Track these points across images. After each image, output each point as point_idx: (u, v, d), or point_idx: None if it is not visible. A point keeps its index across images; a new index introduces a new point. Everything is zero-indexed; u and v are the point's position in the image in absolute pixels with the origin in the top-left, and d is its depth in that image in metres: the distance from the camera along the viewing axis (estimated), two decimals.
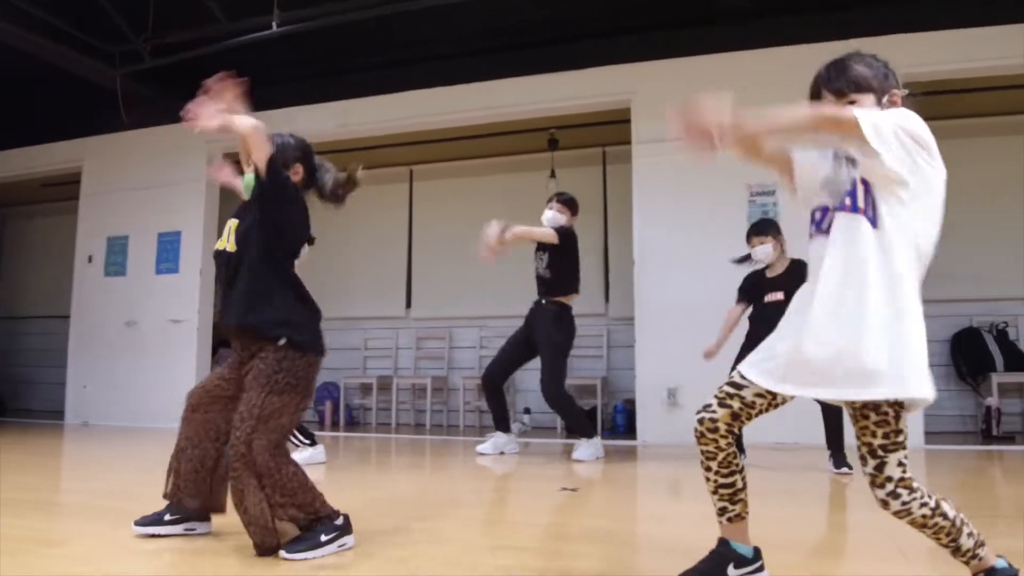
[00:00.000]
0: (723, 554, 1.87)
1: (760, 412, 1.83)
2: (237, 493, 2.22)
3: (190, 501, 2.48)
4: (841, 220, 1.70)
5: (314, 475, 2.43)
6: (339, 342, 8.46)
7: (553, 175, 7.59)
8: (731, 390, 1.82)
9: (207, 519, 2.55)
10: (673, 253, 6.00)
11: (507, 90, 6.75)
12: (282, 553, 2.21)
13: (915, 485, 1.62)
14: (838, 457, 4.21)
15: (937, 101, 6.36)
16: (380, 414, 7.92)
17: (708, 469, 1.85)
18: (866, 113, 1.61)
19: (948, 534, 1.64)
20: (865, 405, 1.64)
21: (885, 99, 1.75)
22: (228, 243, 2.41)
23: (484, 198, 7.96)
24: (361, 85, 7.16)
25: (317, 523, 2.27)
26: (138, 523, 2.47)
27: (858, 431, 1.67)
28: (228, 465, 2.28)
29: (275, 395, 2.25)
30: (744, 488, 1.87)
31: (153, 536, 2.45)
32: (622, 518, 3.29)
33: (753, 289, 4.57)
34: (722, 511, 1.88)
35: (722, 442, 1.81)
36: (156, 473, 2.61)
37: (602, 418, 6.97)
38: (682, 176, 6.10)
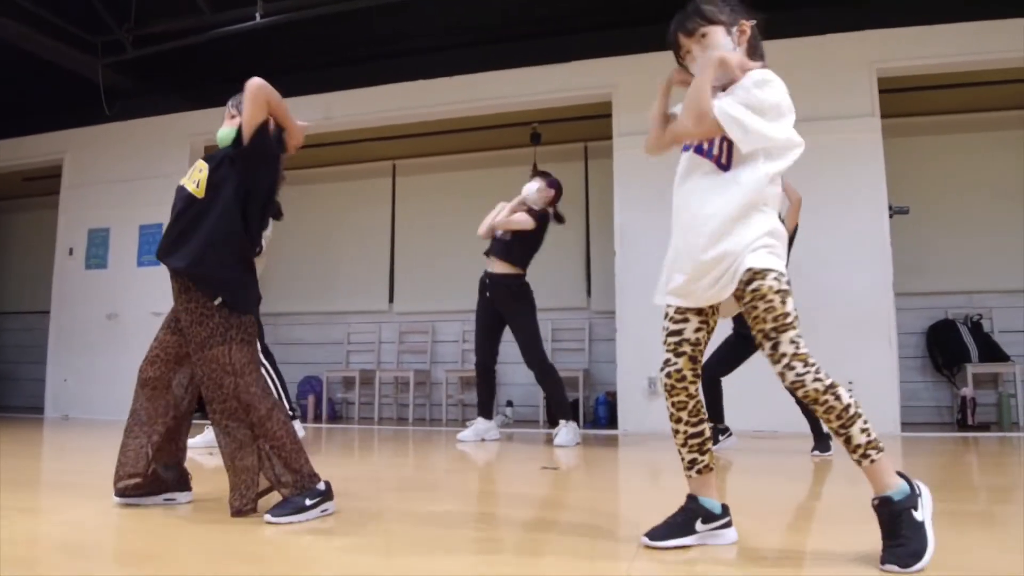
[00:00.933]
0: (692, 509, 1.93)
1: (704, 344, 1.93)
2: (230, 444, 2.30)
3: (164, 471, 2.51)
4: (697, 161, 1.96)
5: None
6: (321, 336, 8.47)
7: (535, 169, 7.63)
8: (676, 338, 1.92)
9: (187, 488, 2.57)
10: (653, 244, 5.99)
11: (490, 83, 6.79)
12: (267, 517, 2.23)
13: (811, 361, 1.74)
14: (820, 442, 4.29)
15: (912, 97, 6.48)
16: (363, 408, 7.92)
17: (679, 421, 1.93)
18: (725, 109, 1.82)
19: (839, 417, 1.73)
20: (753, 295, 1.78)
21: (734, 30, 1.93)
22: (196, 188, 2.41)
23: (466, 193, 7.98)
24: (345, 78, 7.18)
25: (302, 487, 2.29)
26: (118, 494, 2.50)
27: (751, 322, 1.80)
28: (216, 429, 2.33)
29: (237, 345, 2.33)
30: (711, 438, 1.96)
31: (134, 506, 2.47)
32: (602, 491, 3.33)
33: None
34: (692, 463, 1.94)
35: (691, 388, 1.91)
36: None
37: (584, 410, 7.01)
38: (662, 168, 6.13)
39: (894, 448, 4.82)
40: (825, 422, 1.76)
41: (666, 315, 1.95)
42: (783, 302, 1.77)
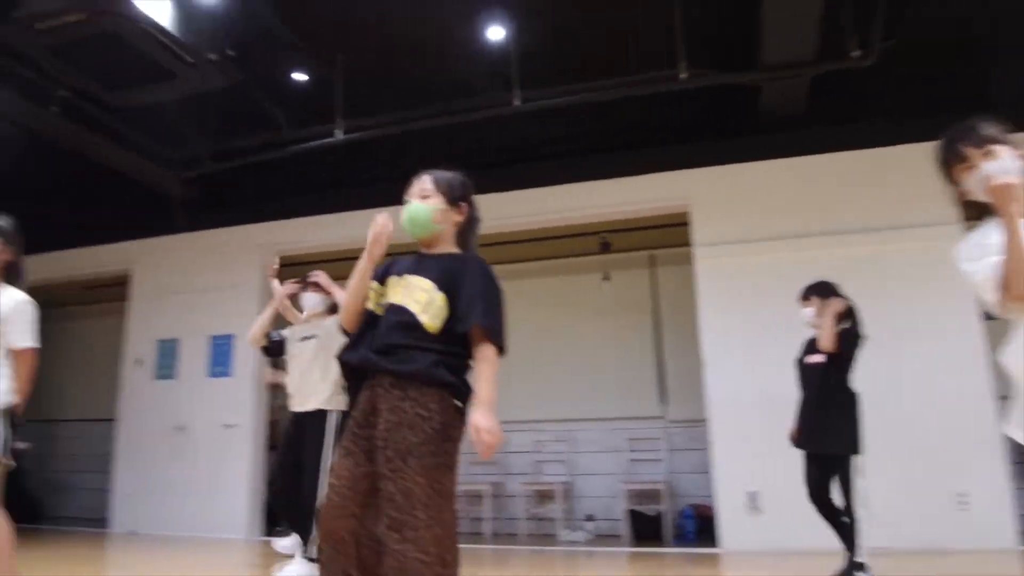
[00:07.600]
0: None
1: None
2: None
3: None
4: None
5: None
6: None
7: (607, 277, 7.65)
8: None
9: None
10: (744, 352, 5.94)
11: (564, 195, 6.78)
12: None
13: None
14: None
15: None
16: None
17: None
18: None
19: None
20: None
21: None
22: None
23: (535, 300, 7.87)
24: None
25: None
26: None
27: None
28: None
29: None
30: None
31: None
32: None
33: (803, 353, 4.44)
34: None
35: None
36: None
37: (669, 524, 6.73)
38: (745, 274, 6.13)
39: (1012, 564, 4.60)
40: None
41: None
42: None
